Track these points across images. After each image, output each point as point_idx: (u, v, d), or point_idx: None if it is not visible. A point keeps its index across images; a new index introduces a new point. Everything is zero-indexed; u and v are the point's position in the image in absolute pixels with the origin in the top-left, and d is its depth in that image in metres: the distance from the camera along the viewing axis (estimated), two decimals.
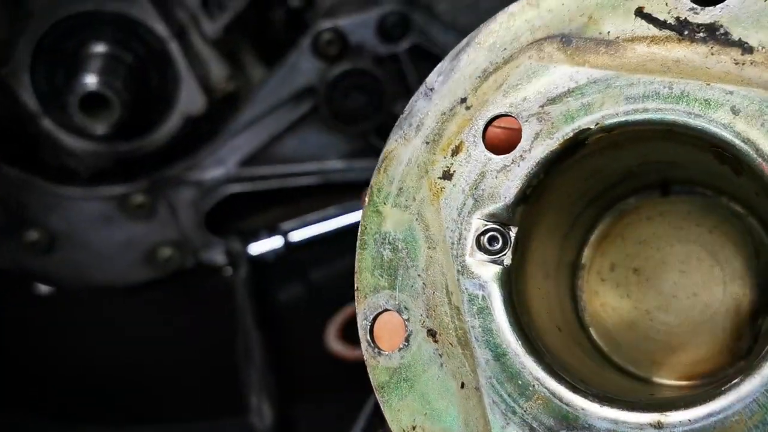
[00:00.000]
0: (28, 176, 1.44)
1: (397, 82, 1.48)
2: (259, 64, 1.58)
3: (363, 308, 0.61)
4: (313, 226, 1.59)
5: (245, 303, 1.41)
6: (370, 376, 0.61)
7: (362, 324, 0.61)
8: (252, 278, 1.49)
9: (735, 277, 0.67)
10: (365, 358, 0.61)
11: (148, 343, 1.46)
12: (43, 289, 1.53)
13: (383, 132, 1.50)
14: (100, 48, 1.33)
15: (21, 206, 1.45)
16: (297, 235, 1.59)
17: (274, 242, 1.56)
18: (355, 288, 0.62)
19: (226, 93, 1.48)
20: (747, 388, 0.53)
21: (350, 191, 1.57)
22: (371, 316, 0.60)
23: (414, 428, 0.59)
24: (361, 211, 1.64)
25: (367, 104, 1.46)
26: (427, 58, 1.49)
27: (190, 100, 1.41)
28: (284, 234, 1.57)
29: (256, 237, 1.56)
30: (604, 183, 0.67)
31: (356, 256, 0.62)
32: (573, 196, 0.66)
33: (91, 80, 1.26)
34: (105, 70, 1.29)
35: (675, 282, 0.68)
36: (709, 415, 0.54)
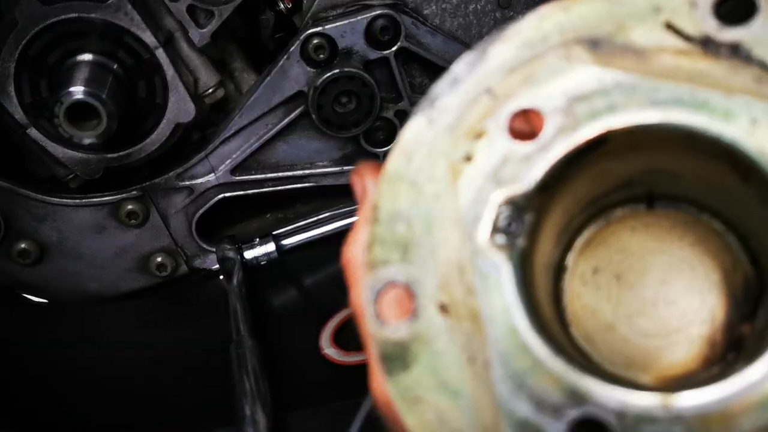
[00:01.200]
0: (17, 187, 1.44)
1: (387, 86, 1.48)
2: (249, 70, 1.58)
3: (370, 279, 0.61)
4: (305, 231, 1.59)
5: (238, 309, 1.40)
6: (373, 347, 0.61)
7: (368, 295, 0.61)
8: (245, 284, 1.49)
9: (712, 289, 0.69)
10: (368, 330, 0.61)
11: (138, 351, 1.45)
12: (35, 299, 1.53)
13: (374, 136, 1.50)
14: (86, 57, 1.32)
15: (10, 217, 1.45)
16: (290, 241, 1.58)
17: (267, 248, 1.56)
18: (362, 261, 0.64)
19: (216, 100, 1.47)
20: (755, 372, 0.56)
21: (342, 196, 1.57)
22: (378, 287, 0.61)
23: (418, 399, 0.60)
24: (352, 210, 1.63)
25: (358, 108, 1.45)
26: (417, 61, 1.49)
27: (179, 108, 1.41)
28: (277, 239, 1.57)
29: (248, 243, 1.56)
30: (603, 189, 0.69)
31: (367, 230, 0.63)
32: (576, 198, 0.68)
33: (77, 90, 1.26)
34: (91, 79, 1.29)
35: (655, 290, 0.70)
36: (719, 396, 0.56)
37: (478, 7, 1.47)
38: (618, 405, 0.57)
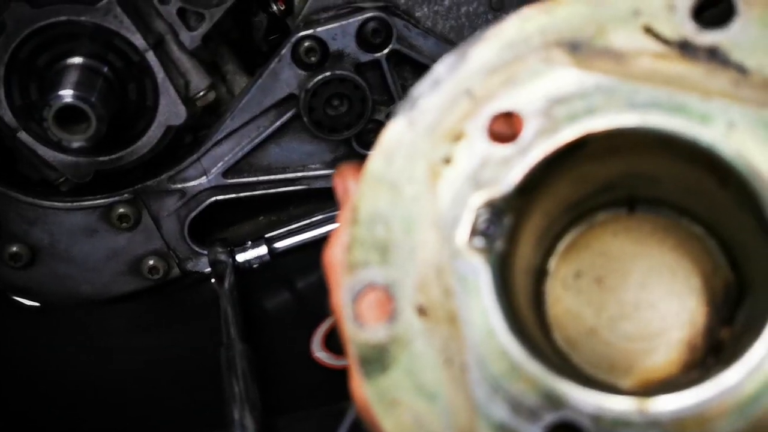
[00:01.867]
0: (8, 190, 1.44)
1: (378, 89, 1.48)
2: (241, 73, 1.57)
3: (349, 281, 0.61)
4: (298, 234, 1.59)
5: (229, 313, 1.40)
6: (351, 350, 0.61)
7: (347, 297, 0.61)
8: (237, 287, 1.49)
9: (692, 293, 0.69)
10: (346, 332, 0.61)
11: (130, 354, 1.45)
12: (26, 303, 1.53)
13: (366, 139, 1.49)
14: (75, 60, 1.32)
15: (1, 220, 1.45)
16: (282, 244, 1.58)
17: (259, 251, 1.56)
18: (341, 263, 0.63)
19: (207, 103, 1.47)
20: (732, 376, 0.56)
21: (335, 199, 1.56)
22: (358, 289, 0.61)
23: (396, 402, 0.60)
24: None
25: (349, 111, 1.45)
26: (409, 63, 1.49)
27: (170, 111, 1.41)
28: (269, 242, 1.56)
29: (240, 246, 1.56)
30: (583, 192, 0.69)
31: (346, 232, 0.63)
32: (556, 201, 0.68)
33: (66, 93, 1.25)
34: (81, 82, 1.28)
35: (636, 294, 0.70)
36: (696, 401, 0.57)
37: (471, 9, 1.47)
38: (594, 409, 0.57)
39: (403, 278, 0.61)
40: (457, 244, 0.61)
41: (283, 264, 1.57)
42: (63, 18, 1.31)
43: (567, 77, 0.61)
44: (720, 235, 0.69)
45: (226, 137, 1.49)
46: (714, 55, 0.60)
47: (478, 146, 0.62)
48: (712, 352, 0.67)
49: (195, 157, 1.49)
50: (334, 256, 0.70)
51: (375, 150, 0.63)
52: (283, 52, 1.43)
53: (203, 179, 1.51)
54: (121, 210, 1.48)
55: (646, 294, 0.70)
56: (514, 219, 0.62)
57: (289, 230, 1.59)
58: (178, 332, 1.52)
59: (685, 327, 0.68)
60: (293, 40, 1.42)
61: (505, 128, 0.62)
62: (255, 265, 1.55)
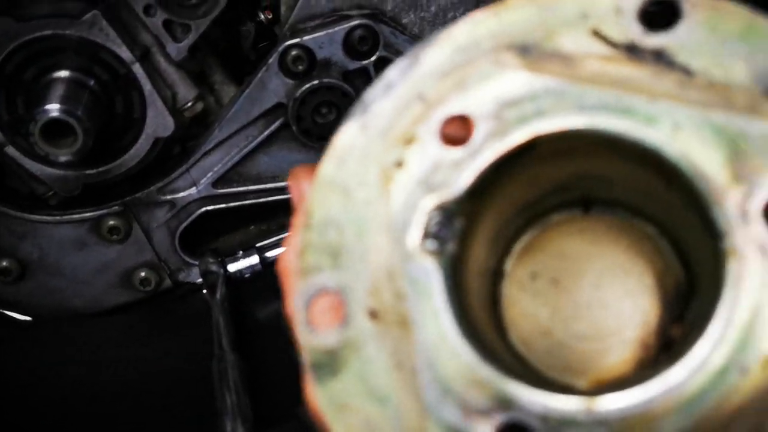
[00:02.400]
0: None
1: None
2: (229, 82, 1.57)
3: (302, 286, 0.61)
4: None
5: (221, 323, 1.40)
6: (303, 355, 0.61)
7: (299, 302, 0.61)
8: (229, 297, 1.48)
9: (645, 292, 0.70)
10: (299, 338, 0.61)
11: (122, 367, 1.45)
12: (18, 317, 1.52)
13: None
14: (61, 73, 1.32)
15: None
16: (273, 253, 1.58)
17: (251, 260, 1.55)
18: (294, 268, 0.63)
19: (195, 113, 1.47)
20: (676, 374, 0.57)
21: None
22: (310, 294, 0.61)
23: (346, 406, 0.60)
24: None
25: (338, 119, 1.45)
26: None
27: (158, 122, 1.41)
28: (260, 251, 1.56)
29: (232, 256, 1.55)
30: (537, 194, 0.70)
31: (299, 236, 0.63)
32: (509, 203, 0.68)
33: (52, 107, 1.25)
34: (67, 96, 1.29)
35: (590, 294, 0.71)
36: (641, 399, 0.57)
37: (457, 15, 1.47)
38: (542, 409, 0.58)
39: (354, 282, 0.61)
40: (409, 248, 0.61)
41: (275, 273, 1.56)
42: (48, 32, 1.31)
43: (517, 80, 0.61)
44: (671, 234, 0.70)
45: (214, 147, 1.49)
46: (660, 58, 0.60)
47: (429, 150, 0.62)
48: (665, 350, 0.68)
49: (184, 168, 1.49)
50: (287, 261, 0.70)
51: (327, 154, 0.63)
52: (271, 61, 1.43)
53: (193, 190, 1.51)
54: (111, 222, 1.48)
55: (601, 294, 0.70)
56: (466, 221, 0.62)
57: (280, 239, 1.59)
58: (170, 343, 1.51)
59: (639, 326, 0.69)
60: (280, 49, 1.42)
61: (457, 131, 0.63)
62: (247, 275, 1.55)
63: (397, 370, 0.60)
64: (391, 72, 0.63)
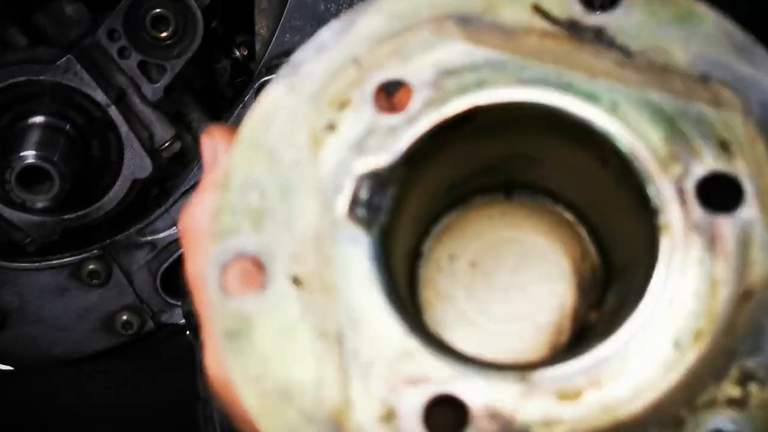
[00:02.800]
0: None
1: None
2: (206, 120, 1.56)
3: (217, 249, 0.58)
4: None
5: (203, 366, 1.38)
6: (214, 322, 0.58)
7: (213, 265, 0.58)
8: None
9: (561, 278, 0.71)
10: (210, 303, 0.57)
11: (107, 412, 1.43)
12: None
13: None
14: (37, 119, 1.31)
15: None
16: None
17: None
18: (206, 229, 0.61)
19: (173, 153, 1.46)
20: (613, 346, 0.57)
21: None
22: (225, 258, 0.58)
23: (261, 376, 0.57)
24: None
25: None
26: None
27: (135, 164, 1.40)
28: None
29: None
30: (466, 172, 0.70)
31: (214, 197, 0.60)
32: (437, 181, 0.68)
33: (28, 154, 1.24)
34: (43, 142, 1.28)
35: (508, 278, 0.71)
36: (583, 366, 0.57)
37: None
38: (471, 385, 0.57)
39: (277, 247, 0.59)
40: (339, 213, 0.59)
41: None
42: (22, 78, 1.31)
43: (457, 50, 0.61)
44: (591, 221, 0.71)
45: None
46: (600, 37, 0.61)
47: (364, 114, 0.60)
48: (580, 336, 0.69)
49: (163, 208, 1.48)
50: (196, 221, 0.67)
51: (251, 114, 0.61)
52: (247, 98, 1.42)
53: (173, 230, 1.49)
54: (91, 266, 1.46)
55: (518, 278, 0.71)
56: (398, 191, 0.61)
57: None
58: (154, 387, 1.50)
59: (554, 310, 0.70)
60: (256, 85, 1.41)
61: (392, 96, 0.62)
62: None
63: (321, 339, 0.57)
64: (324, 34, 0.62)
